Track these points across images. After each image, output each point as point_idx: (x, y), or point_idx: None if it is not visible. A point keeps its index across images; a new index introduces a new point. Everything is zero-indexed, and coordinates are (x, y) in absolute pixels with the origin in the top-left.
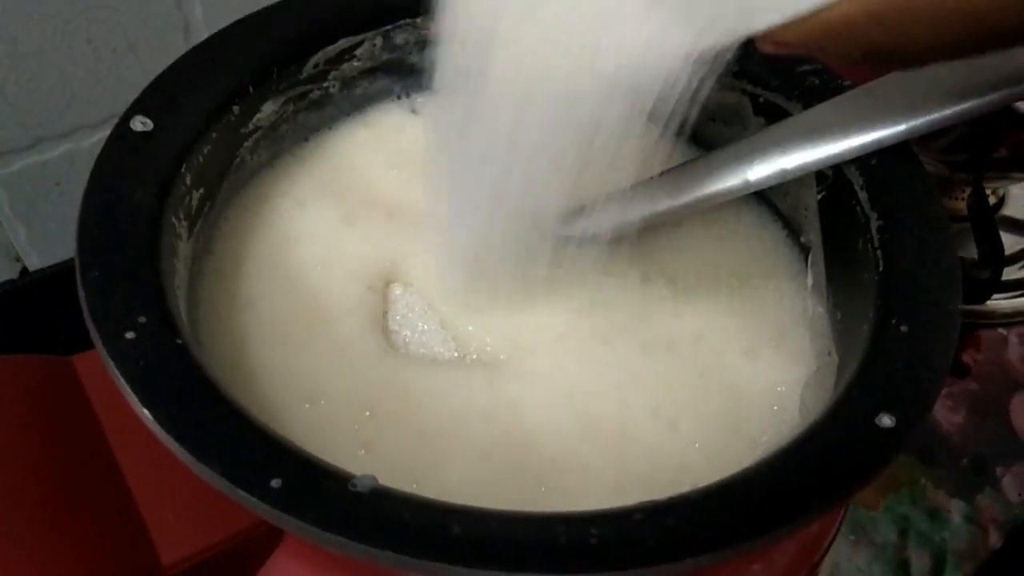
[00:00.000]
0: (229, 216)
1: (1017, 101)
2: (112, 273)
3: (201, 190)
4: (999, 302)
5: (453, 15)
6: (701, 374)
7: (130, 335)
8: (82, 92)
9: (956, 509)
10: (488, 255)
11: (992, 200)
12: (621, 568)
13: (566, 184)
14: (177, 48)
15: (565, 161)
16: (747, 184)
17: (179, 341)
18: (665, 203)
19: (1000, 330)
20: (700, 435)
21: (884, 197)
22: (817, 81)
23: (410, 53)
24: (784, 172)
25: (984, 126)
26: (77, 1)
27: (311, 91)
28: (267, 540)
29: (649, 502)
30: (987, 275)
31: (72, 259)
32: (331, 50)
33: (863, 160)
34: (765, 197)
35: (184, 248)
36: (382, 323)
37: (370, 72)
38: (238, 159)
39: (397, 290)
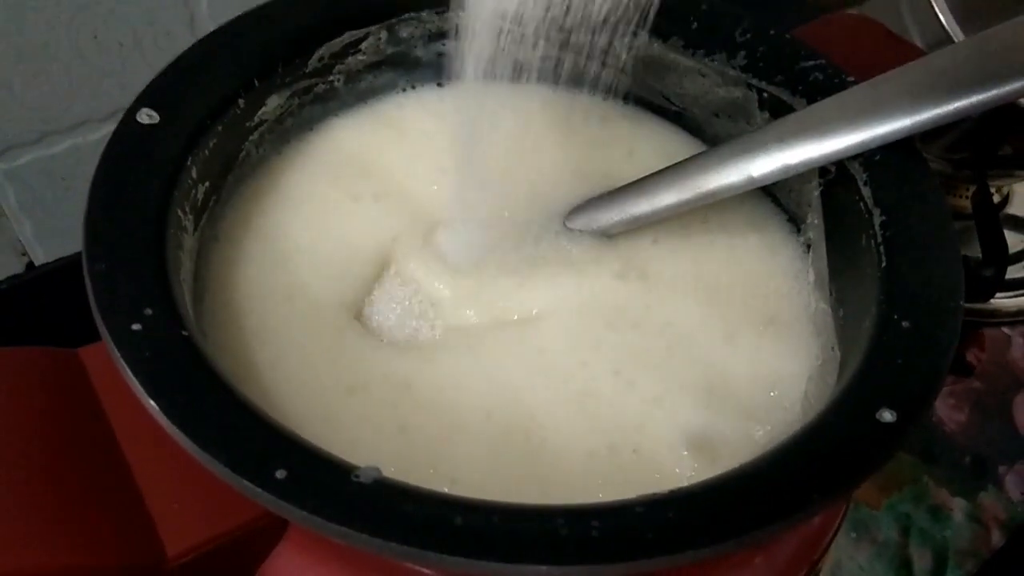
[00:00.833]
0: (234, 205)
1: (1022, 96)
2: (119, 265)
3: (207, 183)
4: (1003, 301)
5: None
6: (702, 364)
7: (136, 327)
8: (88, 86)
9: (958, 507)
10: (502, 234)
11: (996, 198)
12: (622, 560)
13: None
14: (183, 42)
15: None
16: (751, 180)
17: (185, 333)
18: (668, 198)
19: (1004, 329)
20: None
21: (887, 193)
22: (821, 76)
23: (415, 47)
24: (788, 168)
25: (988, 123)
26: None
27: (316, 85)
28: (272, 531)
29: (650, 495)
30: (991, 273)
31: (78, 254)
32: (336, 44)
33: (867, 156)
34: (768, 191)
35: (189, 241)
36: (382, 310)
37: (375, 66)
38: (243, 152)
39: (398, 277)
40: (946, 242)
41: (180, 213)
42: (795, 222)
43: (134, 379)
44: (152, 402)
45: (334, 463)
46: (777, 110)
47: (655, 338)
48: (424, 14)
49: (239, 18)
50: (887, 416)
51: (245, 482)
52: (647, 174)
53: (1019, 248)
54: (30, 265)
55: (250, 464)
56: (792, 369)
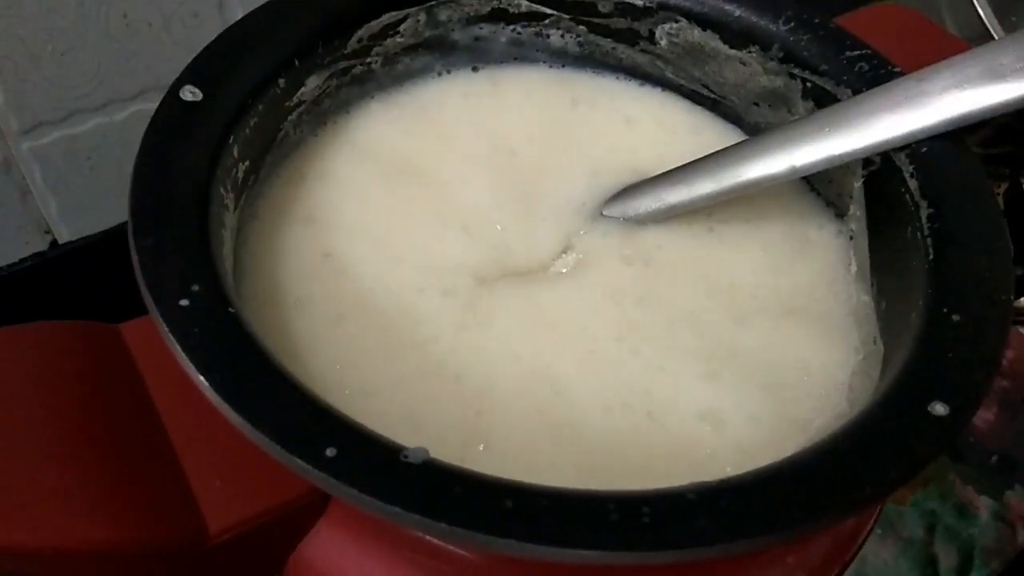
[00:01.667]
0: (273, 185)
1: None
2: (165, 241)
3: (247, 162)
4: None
5: None
6: (746, 357)
7: (184, 303)
8: (115, 66)
9: (984, 506)
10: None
11: None
12: (672, 547)
13: None
14: (211, 23)
15: None
16: (793, 170)
17: (231, 310)
18: (707, 187)
19: None
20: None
21: (934, 185)
22: (867, 67)
23: (452, 30)
24: (831, 158)
25: None
26: None
27: (354, 66)
28: (312, 509)
29: (702, 483)
30: (1022, 272)
31: (101, 233)
32: (375, 25)
33: (913, 147)
34: (807, 181)
35: (230, 219)
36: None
37: (412, 48)
38: (282, 132)
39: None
40: (996, 235)
41: (222, 191)
42: (834, 210)
43: (183, 355)
44: (202, 378)
45: (383, 443)
46: (821, 100)
47: (664, 313)
48: None
49: None
50: (940, 409)
51: (296, 459)
52: (685, 162)
53: None
54: (54, 243)
55: (301, 442)
56: (838, 362)
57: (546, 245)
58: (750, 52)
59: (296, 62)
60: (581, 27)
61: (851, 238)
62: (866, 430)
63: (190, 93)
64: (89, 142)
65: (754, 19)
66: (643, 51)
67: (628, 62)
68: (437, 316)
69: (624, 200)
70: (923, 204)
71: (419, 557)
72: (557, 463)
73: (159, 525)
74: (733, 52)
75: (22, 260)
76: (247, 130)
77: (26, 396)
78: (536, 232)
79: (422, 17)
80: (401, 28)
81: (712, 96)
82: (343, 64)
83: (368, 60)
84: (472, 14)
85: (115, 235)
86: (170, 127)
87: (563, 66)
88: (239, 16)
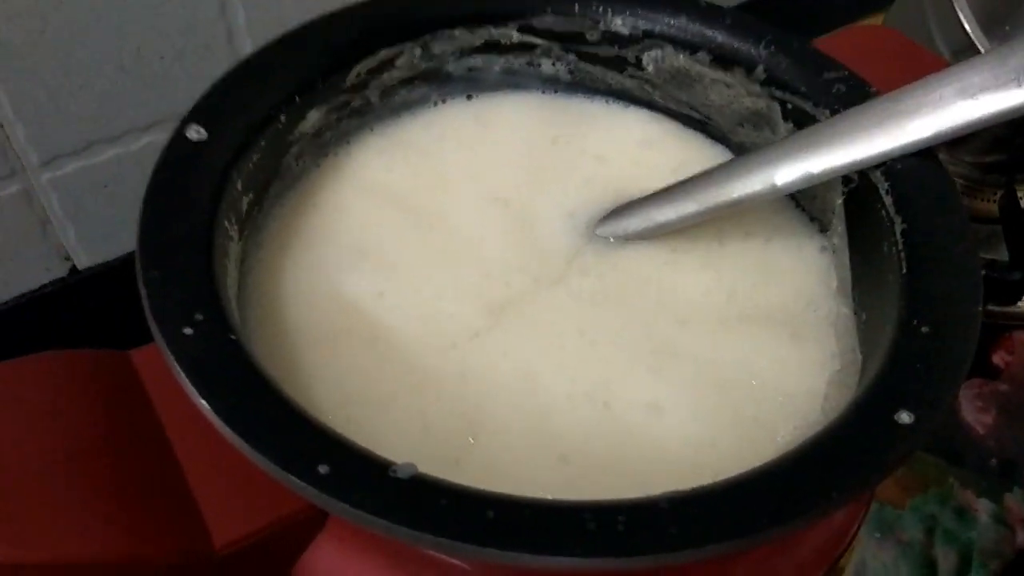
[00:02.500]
0: (277, 216)
1: None
2: (170, 273)
3: (250, 195)
4: None
5: None
6: (725, 370)
7: (188, 331)
8: (130, 98)
9: (984, 509)
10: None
11: None
12: (646, 553)
13: None
14: (221, 55)
15: None
16: (774, 188)
17: (233, 337)
18: (692, 207)
19: None
20: (719, 428)
21: (909, 201)
22: (844, 88)
23: (447, 62)
24: (810, 176)
25: (1019, 127)
26: (127, 12)
27: (353, 100)
28: (312, 523)
29: (674, 492)
30: (1018, 277)
31: (119, 258)
32: (372, 60)
33: (888, 165)
34: (793, 198)
35: (234, 249)
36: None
37: (408, 81)
38: (284, 165)
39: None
40: (965, 250)
41: (226, 223)
42: (818, 226)
43: (186, 380)
44: (204, 402)
45: (373, 459)
46: (801, 120)
47: (644, 324)
48: (456, 31)
49: (280, 37)
50: (905, 418)
51: (291, 477)
52: (674, 183)
53: None
54: (73, 269)
55: (295, 460)
56: (816, 373)
57: (545, 267)
58: (733, 75)
59: (297, 98)
60: (571, 55)
61: (833, 252)
62: (834, 438)
63: (195, 132)
64: (106, 171)
65: (736, 44)
66: (631, 76)
67: (617, 87)
68: (438, 343)
69: (616, 220)
70: (898, 220)
71: (416, 568)
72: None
73: (167, 539)
74: (717, 75)
75: (43, 286)
76: (250, 165)
77: (39, 420)
78: (534, 257)
79: (417, 51)
80: (397, 62)
81: (699, 118)
82: (342, 98)
83: (366, 93)
84: (466, 47)
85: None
86: (176, 165)
87: (556, 92)
88: (248, 47)
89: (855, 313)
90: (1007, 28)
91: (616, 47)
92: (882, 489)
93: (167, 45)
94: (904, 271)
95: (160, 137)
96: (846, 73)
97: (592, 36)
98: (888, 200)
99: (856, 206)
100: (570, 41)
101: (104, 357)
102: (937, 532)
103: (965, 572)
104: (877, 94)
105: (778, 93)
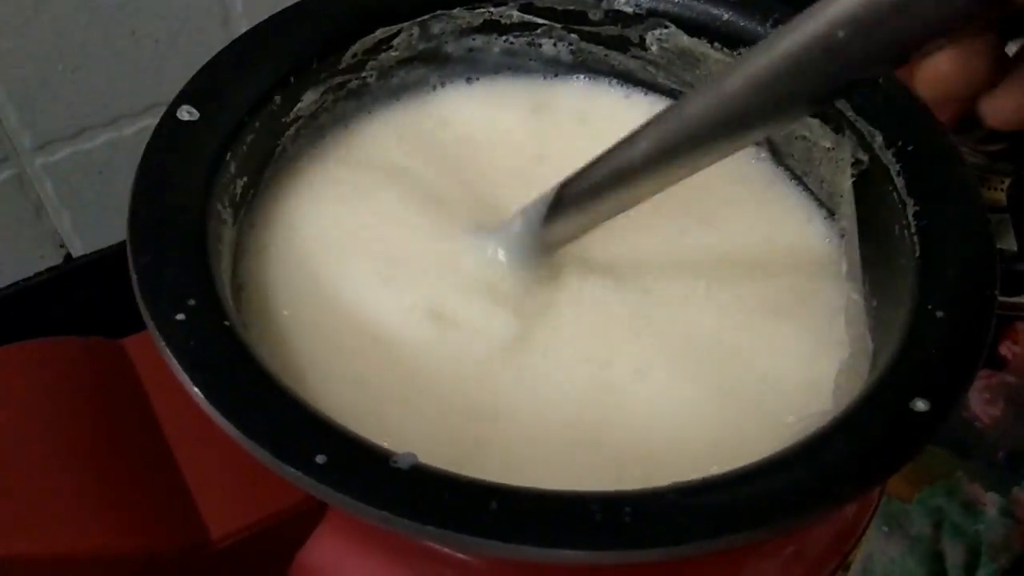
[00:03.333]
0: (272, 200)
1: None
2: (162, 258)
3: (244, 178)
4: None
5: None
6: (732, 360)
7: (180, 317)
8: (124, 82)
9: (991, 502)
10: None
11: None
12: (654, 545)
13: None
14: (217, 39)
15: None
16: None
17: (227, 323)
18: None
19: None
20: (728, 414)
21: (921, 183)
22: None
23: (446, 43)
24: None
25: None
26: None
27: (349, 81)
28: (311, 516)
29: (682, 482)
30: None
31: (115, 245)
32: (369, 40)
33: (900, 146)
34: (801, 181)
35: (229, 233)
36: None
37: (407, 62)
38: (280, 147)
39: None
40: (981, 232)
41: (220, 207)
42: (826, 211)
43: (179, 368)
44: (196, 390)
45: (372, 449)
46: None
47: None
48: (456, 10)
49: (274, 16)
50: (921, 405)
51: (287, 467)
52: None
53: None
54: (68, 257)
55: (292, 450)
56: (827, 359)
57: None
58: (738, 55)
59: (292, 79)
60: (573, 35)
61: (842, 236)
62: (848, 427)
63: (187, 113)
64: (100, 157)
65: (742, 23)
66: (634, 57)
67: (620, 68)
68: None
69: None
70: (910, 202)
71: (417, 561)
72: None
73: (162, 532)
74: (722, 55)
75: (38, 274)
76: (244, 147)
77: (32, 410)
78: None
79: (415, 31)
80: (395, 42)
81: None
82: (339, 79)
83: (363, 74)
84: (465, 26)
85: None
86: (168, 146)
87: (556, 75)
88: (243, 31)
89: (866, 298)
90: None
91: (619, 27)
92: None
93: (162, 28)
94: (917, 255)
95: (155, 122)
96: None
97: (594, 15)
98: (900, 182)
99: (866, 189)
100: (572, 21)
101: (96, 345)
102: (945, 525)
103: (973, 566)
104: (887, 74)
105: None
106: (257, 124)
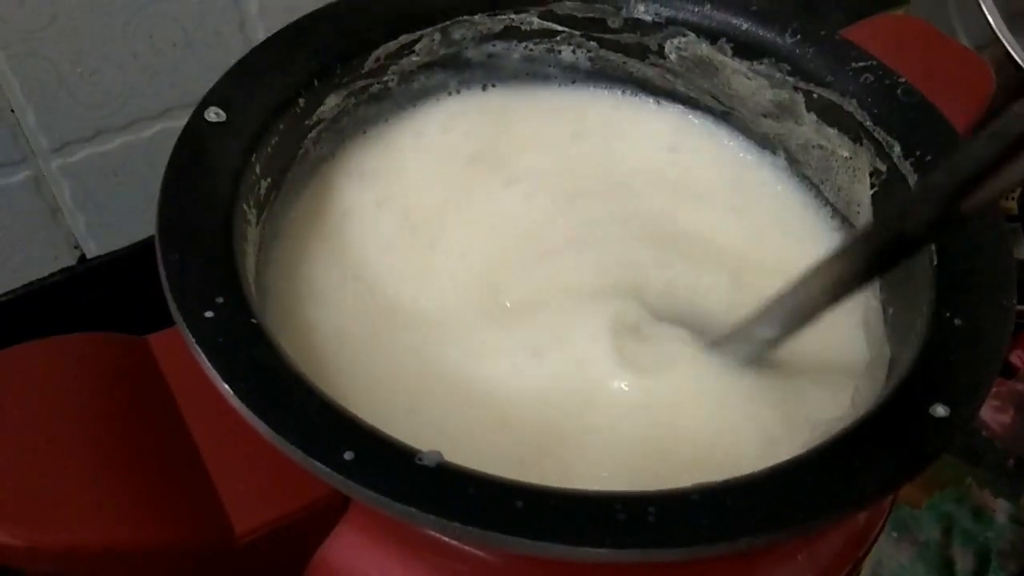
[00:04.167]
0: (296, 203)
1: None
2: (191, 256)
3: (268, 179)
4: None
5: None
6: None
7: (209, 314)
8: (141, 85)
9: (1001, 509)
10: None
11: None
12: (677, 545)
13: None
14: (233, 43)
15: None
16: None
17: (254, 320)
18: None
19: None
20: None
21: None
22: (872, 78)
23: (466, 48)
24: None
25: None
26: None
27: (371, 85)
28: (333, 511)
29: (706, 483)
30: None
31: (128, 247)
32: (391, 45)
33: (918, 156)
34: (820, 192)
35: (253, 234)
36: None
37: (427, 67)
38: (302, 150)
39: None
40: (997, 239)
41: (245, 207)
42: (840, 219)
43: (209, 364)
44: (227, 386)
45: (398, 447)
46: (826, 112)
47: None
48: (476, 17)
49: (300, 20)
50: (940, 411)
51: (316, 463)
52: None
53: None
54: (82, 258)
55: (320, 446)
56: (844, 366)
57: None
58: (757, 65)
59: (315, 82)
60: (592, 43)
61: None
62: (868, 431)
63: (214, 114)
64: (117, 159)
65: (761, 32)
66: (653, 65)
67: (638, 76)
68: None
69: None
70: None
71: (437, 558)
72: None
73: (187, 527)
74: (740, 65)
75: (52, 275)
76: (268, 148)
77: (57, 405)
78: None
79: (437, 36)
80: (416, 48)
81: (721, 108)
82: (361, 83)
83: (385, 79)
84: (485, 32)
85: (142, 249)
86: (196, 146)
87: (574, 82)
88: (260, 35)
89: (882, 306)
90: None
91: (638, 34)
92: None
93: (179, 32)
94: (935, 262)
95: (171, 125)
96: (875, 63)
97: (614, 23)
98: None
99: (884, 198)
100: (591, 28)
101: (121, 341)
102: (954, 532)
103: (983, 573)
104: (907, 83)
105: (802, 84)
106: (281, 126)
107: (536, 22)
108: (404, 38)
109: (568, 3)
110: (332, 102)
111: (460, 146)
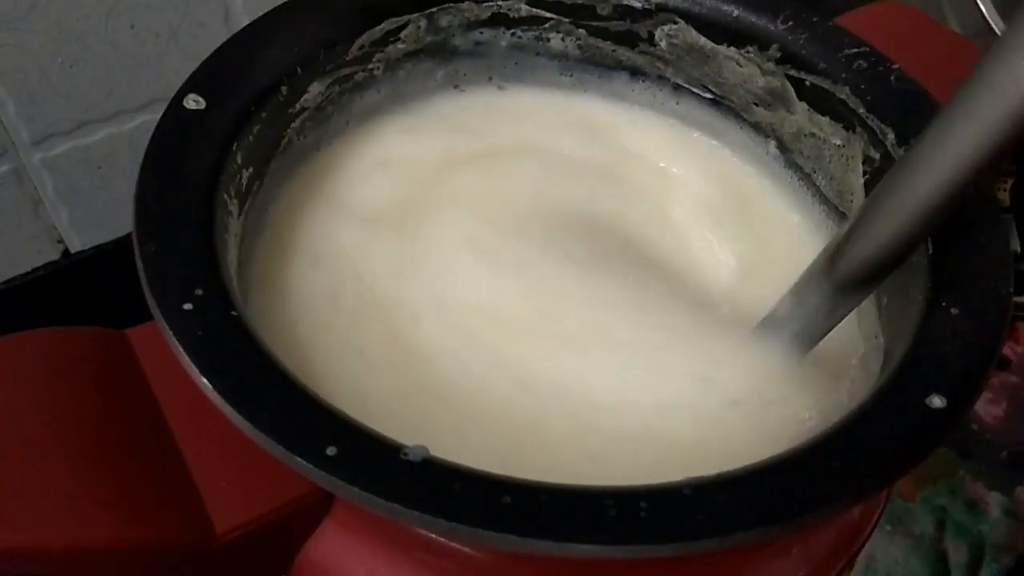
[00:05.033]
0: (280, 195)
1: None
2: (169, 247)
3: (250, 169)
4: None
5: None
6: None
7: (188, 307)
8: (124, 77)
9: (995, 502)
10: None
11: None
12: (670, 541)
13: None
14: (218, 33)
15: None
16: None
17: (234, 313)
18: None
19: None
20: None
21: None
22: (865, 64)
23: (453, 35)
24: None
25: None
26: None
27: (356, 73)
28: (317, 509)
29: (698, 477)
30: None
31: (112, 241)
32: (376, 32)
33: (912, 144)
34: (809, 178)
35: (235, 225)
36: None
37: (414, 54)
38: (285, 139)
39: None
40: (994, 229)
41: (226, 197)
42: (833, 208)
43: (187, 358)
44: (205, 380)
45: (383, 441)
46: (818, 100)
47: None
48: (464, 3)
49: (282, 6)
50: (937, 402)
51: (297, 458)
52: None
53: None
54: (66, 252)
55: (302, 441)
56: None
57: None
58: (748, 52)
59: (298, 69)
60: (581, 30)
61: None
62: (863, 423)
63: (193, 102)
64: (100, 152)
65: (752, 19)
66: (643, 52)
67: (628, 63)
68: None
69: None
70: None
71: (424, 555)
72: None
73: (166, 525)
74: (731, 52)
75: (35, 269)
76: (250, 137)
77: (35, 401)
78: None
79: (423, 23)
80: (402, 34)
81: (712, 96)
82: (345, 71)
83: (370, 66)
84: (472, 19)
85: (127, 243)
86: (174, 135)
87: (571, 75)
88: (245, 25)
89: (876, 296)
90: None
91: (628, 21)
92: None
93: (162, 22)
94: (930, 251)
95: (155, 117)
96: (867, 49)
97: (603, 10)
98: None
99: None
100: (580, 15)
101: (100, 335)
102: (948, 525)
103: (977, 566)
104: (900, 70)
105: (793, 71)
106: (263, 114)
107: (524, 9)
108: (389, 24)
109: None
110: (316, 90)
111: (451, 140)
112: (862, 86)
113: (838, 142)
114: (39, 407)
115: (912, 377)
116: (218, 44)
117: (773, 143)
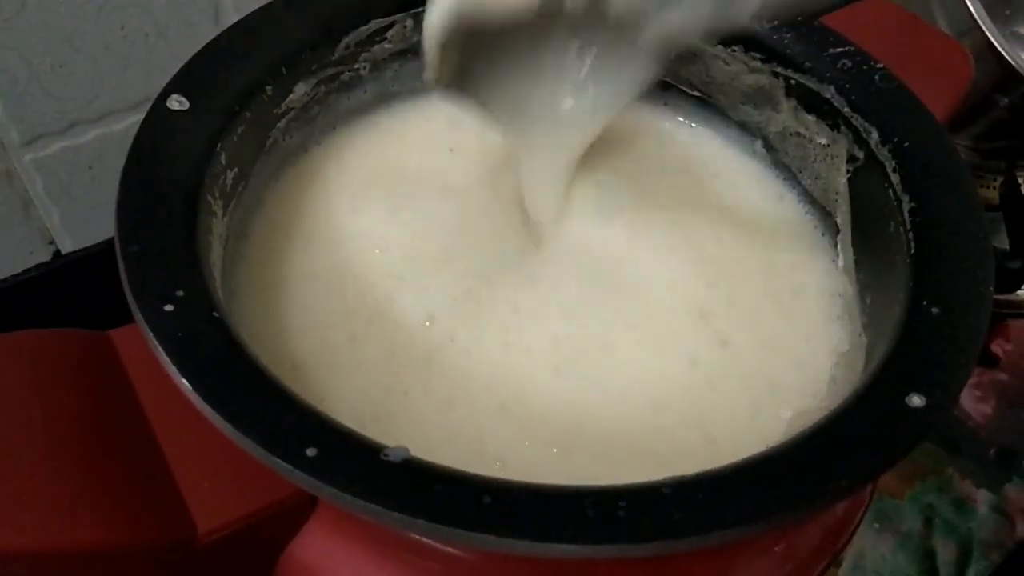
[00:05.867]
0: (266, 197)
1: None
2: (151, 248)
3: (235, 169)
4: None
5: None
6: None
7: (168, 308)
8: (114, 77)
9: (983, 499)
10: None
11: None
12: (648, 540)
13: None
14: (207, 33)
15: None
16: None
17: (215, 314)
18: None
19: None
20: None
21: (917, 180)
22: (849, 63)
23: None
24: None
25: (1020, 114)
26: None
27: (342, 73)
28: (300, 510)
29: (677, 477)
30: (1018, 265)
31: (104, 242)
32: (362, 32)
33: (896, 143)
34: (796, 178)
35: (219, 226)
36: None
37: (400, 54)
38: (271, 140)
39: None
40: (976, 229)
41: (210, 198)
42: (822, 210)
43: (167, 359)
44: (185, 381)
45: (363, 442)
46: (804, 98)
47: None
48: None
49: (267, 6)
50: (916, 401)
51: (277, 460)
52: None
53: None
54: (57, 253)
55: (281, 442)
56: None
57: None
58: (734, 51)
59: (283, 69)
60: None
61: (837, 233)
62: (844, 422)
63: (176, 102)
64: (90, 152)
65: None
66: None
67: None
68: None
69: None
70: (905, 199)
71: (409, 556)
72: None
73: (148, 526)
74: (717, 51)
75: (26, 270)
76: (234, 138)
77: (16, 402)
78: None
79: (409, 23)
80: (388, 34)
81: (699, 95)
82: (331, 71)
83: (356, 66)
84: None
85: None
86: (157, 136)
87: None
88: None
89: (859, 294)
90: (1007, 11)
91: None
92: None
93: (151, 23)
94: (912, 251)
95: None
96: (852, 48)
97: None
98: (895, 178)
99: (862, 185)
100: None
101: (82, 337)
102: (936, 523)
103: (965, 563)
104: (884, 69)
105: (780, 69)
106: (248, 115)
107: None
108: (375, 24)
109: None
110: (301, 90)
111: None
112: (847, 85)
113: (823, 141)
114: (20, 409)
115: (892, 376)
116: None
117: (760, 140)
